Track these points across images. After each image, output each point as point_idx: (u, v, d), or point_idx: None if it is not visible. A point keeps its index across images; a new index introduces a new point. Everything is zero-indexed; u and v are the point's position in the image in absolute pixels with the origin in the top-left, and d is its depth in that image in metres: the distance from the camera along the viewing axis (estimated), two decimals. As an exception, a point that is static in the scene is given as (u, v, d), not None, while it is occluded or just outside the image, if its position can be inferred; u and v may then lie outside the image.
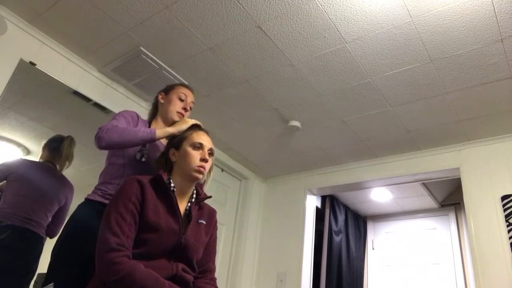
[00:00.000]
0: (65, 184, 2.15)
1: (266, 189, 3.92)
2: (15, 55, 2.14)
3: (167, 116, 1.69)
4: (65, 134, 2.24)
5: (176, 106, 1.69)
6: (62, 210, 2.10)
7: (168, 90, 1.76)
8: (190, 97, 1.75)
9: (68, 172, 2.16)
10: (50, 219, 2.04)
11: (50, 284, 1.25)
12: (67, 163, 2.15)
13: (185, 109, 1.71)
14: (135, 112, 1.66)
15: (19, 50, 2.16)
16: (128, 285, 1.09)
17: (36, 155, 2.15)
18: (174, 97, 1.71)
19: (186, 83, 1.82)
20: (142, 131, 1.45)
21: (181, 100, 1.71)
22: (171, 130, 1.49)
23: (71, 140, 2.19)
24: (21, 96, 2.25)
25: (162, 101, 1.74)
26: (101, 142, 1.41)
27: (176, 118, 1.67)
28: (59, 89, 2.35)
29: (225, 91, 2.62)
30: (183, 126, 1.50)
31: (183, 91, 1.74)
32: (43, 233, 1.98)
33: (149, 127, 1.68)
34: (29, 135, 2.26)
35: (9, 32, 2.09)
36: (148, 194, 1.25)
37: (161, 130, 1.50)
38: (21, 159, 2.18)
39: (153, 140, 1.49)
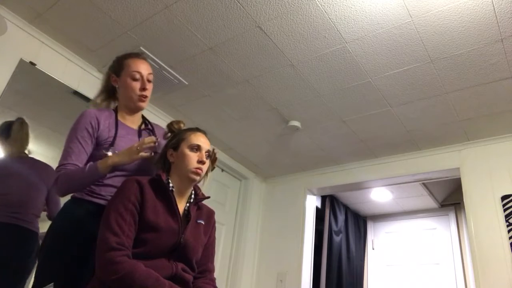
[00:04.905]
0: (43, 166, 2.08)
1: (266, 189, 3.92)
2: (15, 55, 2.14)
3: (129, 104, 1.49)
4: (65, 134, 2.22)
5: (134, 90, 1.46)
6: (52, 190, 2.03)
7: (118, 70, 1.50)
8: (144, 69, 1.49)
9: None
10: (43, 207, 1.99)
11: (50, 284, 1.24)
12: (26, 146, 2.06)
13: (143, 88, 1.47)
14: (92, 114, 1.41)
15: (19, 50, 2.16)
16: (128, 285, 1.09)
17: (36, 155, 2.14)
18: (127, 79, 1.46)
19: (135, 51, 1.58)
20: (86, 173, 1.29)
21: (136, 80, 1.46)
22: (112, 161, 1.31)
23: (21, 123, 2.08)
24: (21, 96, 2.24)
25: (116, 85, 1.50)
26: (59, 194, 1.36)
27: (140, 104, 1.48)
28: (59, 89, 2.35)
29: (225, 91, 2.62)
30: (125, 158, 1.32)
31: (134, 68, 1.47)
32: (37, 228, 1.93)
33: (116, 115, 1.48)
34: (29, 135, 2.25)
35: (9, 32, 2.08)
36: (147, 194, 1.25)
37: (102, 165, 1.30)
38: None
39: (101, 177, 1.32)
